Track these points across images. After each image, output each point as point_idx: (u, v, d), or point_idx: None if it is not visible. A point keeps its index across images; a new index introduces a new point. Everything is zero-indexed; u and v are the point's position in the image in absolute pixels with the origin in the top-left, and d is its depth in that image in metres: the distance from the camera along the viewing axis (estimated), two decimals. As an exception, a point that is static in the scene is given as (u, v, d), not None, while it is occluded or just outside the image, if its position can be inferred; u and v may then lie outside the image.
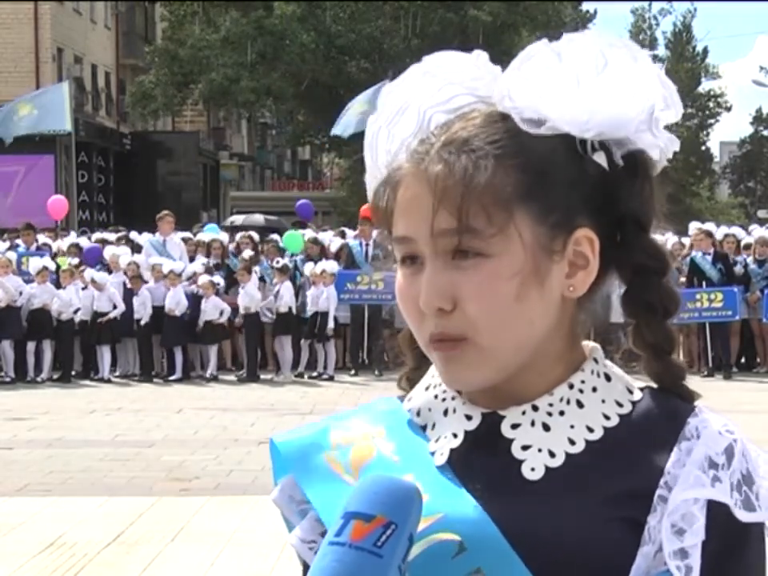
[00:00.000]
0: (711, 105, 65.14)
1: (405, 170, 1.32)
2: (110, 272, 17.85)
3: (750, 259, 17.88)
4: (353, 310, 17.64)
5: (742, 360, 18.07)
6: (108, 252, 18.29)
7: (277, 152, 68.26)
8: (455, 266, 1.29)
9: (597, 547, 1.27)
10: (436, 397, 1.40)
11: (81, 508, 8.76)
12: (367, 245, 17.80)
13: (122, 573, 7.10)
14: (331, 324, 17.14)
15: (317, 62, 39.65)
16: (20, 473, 10.14)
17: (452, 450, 1.35)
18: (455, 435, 1.36)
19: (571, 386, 1.36)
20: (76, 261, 18.08)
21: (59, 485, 9.67)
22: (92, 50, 43.26)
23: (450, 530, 1.29)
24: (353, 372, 17.43)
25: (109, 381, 17.10)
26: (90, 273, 17.43)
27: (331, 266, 17.31)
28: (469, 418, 1.36)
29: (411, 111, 1.37)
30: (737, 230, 19.35)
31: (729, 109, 66.19)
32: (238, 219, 35.02)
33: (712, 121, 66.20)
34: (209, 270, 17.72)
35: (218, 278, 17.68)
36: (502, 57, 1.34)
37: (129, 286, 17.45)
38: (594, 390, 1.36)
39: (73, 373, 17.38)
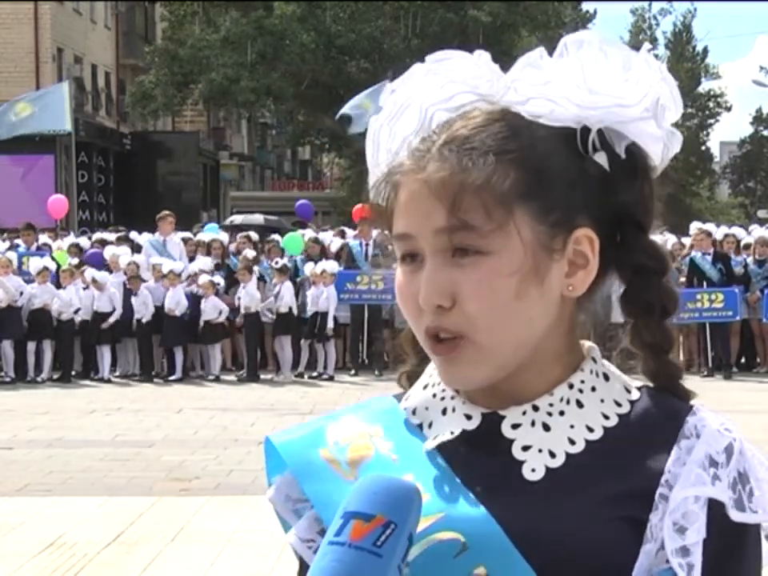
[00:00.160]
0: (711, 105, 65.13)
1: (405, 168, 1.33)
2: (110, 272, 17.85)
3: (749, 259, 17.88)
4: (353, 310, 17.64)
5: (742, 360, 18.07)
6: (108, 252, 18.29)
7: (277, 152, 68.26)
8: (454, 264, 1.29)
9: (598, 546, 1.27)
10: (434, 396, 1.40)
11: (81, 508, 8.76)
12: (367, 245, 17.80)
13: (122, 573, 7.10)
14: (331, 324, 17.14)
15: (317, 62, 39.64)
16: (20, 473, 10.14)
17: (451, 448, 1.35)
18: (452, 432, 1.36)
19: (571, 386, 1.36)
20: (76, 261, 18.08)
21: (59, 485, 9.67)
22: (92, 50, 43.27)
23: (451, 529, 1.29)
24: (353, 372, 17.43)
25: (109, 381, 17.10)
26: (90, 272, 17.44)
27: (331, 266, 17.31)
28: (469, 417, 1.36)
29: (413, 109, 1.37)
30: (737, 230, 19.35)
31: (729, 109, 66.18)
32: (238, 219, 35.00)
33: (712, 121, 66.20)
34: (210, 270, 17.70)
35: (218, 278, 17.68)
36: (502, 57, 1.35)
37: (129, 286, 17.45)
38: (594, 389, 1.36)
39: (73, 373, 17.38)
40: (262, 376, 17.23)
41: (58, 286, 17.35)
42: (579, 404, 1.35)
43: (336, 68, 40.10)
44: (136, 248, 18.85)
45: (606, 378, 1.38)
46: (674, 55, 61.83)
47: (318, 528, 1.37)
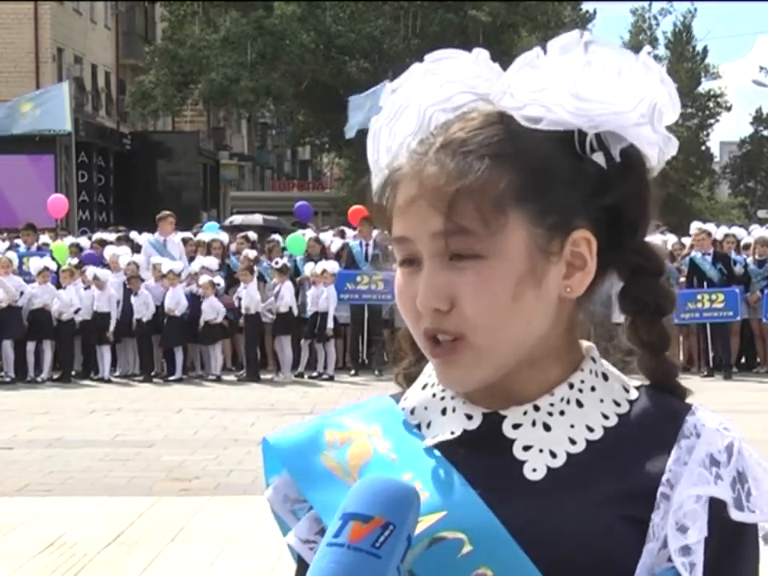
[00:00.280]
0: (711, 105, 65.12)
1: (404, 171, 1.33)
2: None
3: (749, 259, 17.87)
4: (353, 310, 17.64)
5: (742, 360, 18.07)
6: (108, 252, 18.29)
7: (277, 152, 68.27)
8: (452, 267, 1.30)
9: (600, 546, 1.28)
10: (434, 396, 1.40)
11: (81, 508, 8.76)
12: (367, 245, 17.81)
13: (122, 573, 7.10)
14: (331, 324, 17.14)
15: (317, 62, 39.64)
16: (20, 473, 10.14)
17: (451, 448, 1.35)
18: (452, 432, 1.36)
19: (571, 386, 1.36)
20: (76, 260, 18.09)
21: (59, 485, 9.67)
22: (92, 50, 43.27)
23: (454, 529, 1.29)
24: (353, 372, 17.43)
25: (109, 381, 17.10)
26: (92, 270, 17.45)
27: (332, 265, 17.31)
28: (469, 417, 1.36)
29: (412, 109, 1.37)
30: (737, 230, 19.34)
31: (729, 109, 66.18)
32: (237, 219, 35.00)
33: (712, 121, 66.20)
34: (210, 270, 17.68)
35: (219, 279, 17.67)
36: (502, 57, 1.35)
37: (129, 286, 17.45)
38: (593, 389, 1.37)
39: (73, 373, 17.38)
40: (262, 376, 17.24)
41: (59, 286, 17.36)
42: (579, 404, 1.35)
43: (336, 68, 40.10)
44: (136, 248, 18.84)
45: (605, 377, 1.38)
46: (674, 55, 61.84)
47: (317, 529, 1.37)
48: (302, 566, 1.39)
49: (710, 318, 17.11)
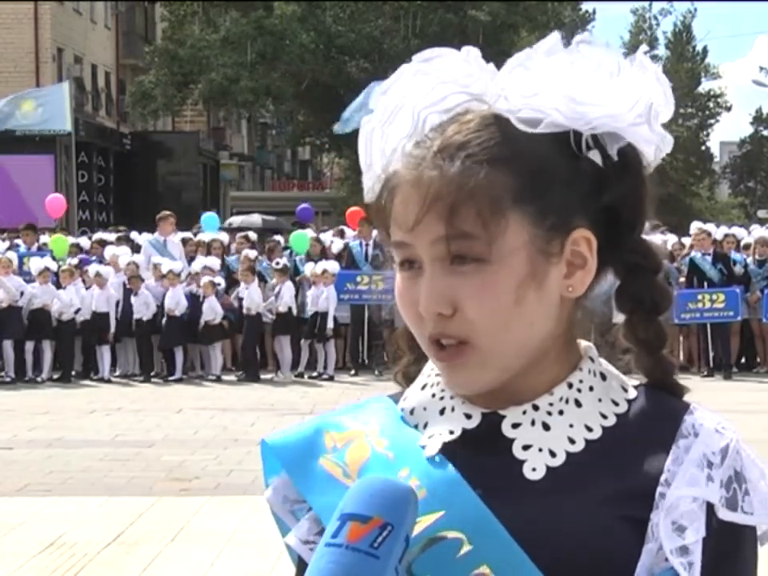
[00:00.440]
0: (711, 105, 65.12)
1: (401, 175, 1.33)
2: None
3: (749, 259, 17.87)
4: (353, 310, 17.64)
5: (742, 360, 18.07)
6: (108, 252, 18.30)
7: (277, 152, 68.25)
8: (453, 271, 1.30)
9: (599, 546, 1.28)
10: (434, 396, 1.40)
11: (81, 508, 8.76)
12: (367, 245, 17.81)
13: (122, 573, 7.10)
14: (330, 324, 17.14)
15: (317, 62, 39.64)
16: (20, 473, 10.14)
17: (450, 448, 1.35)
18: (452, 432, 1.36)
19: (570, 386, 1.36)
20: (76, 260, 18.10)
21: (59, 485, 9.67)
22: (92, 50, 43.27)
23: (453, 528, 1.29)
24: (353, 372, 17.44)
25: (109, 381, 17.10)
26: (94, 267, 17.45)
27: (332, 266, 17.31)
28: (468, 416, 1.36)
29: (405, 111, 1.36)
30: (737, 230, 19.34)
31: (729, 109, 66.17)
32: (236, 221, 34.99)
33: (712, 121, 66.19)
34: (212, 270, 17.66)
35: (219, 279, 17.67)
36: (502, 57, 1.34)
37: (128, 286, 17.45)
38: (591, 389, 1.37)
39: (73, 373, 17.38)
40: (262, 376, 17.24)
41: (59, 286, 17.36)
42: (578, 403, 1.36)
43: (336, 68, 40.09)
44: (136, 248, 18.84)
45: (603, 377, 1.38)
46: (674, 55, 61.82)
47: (317, 529, 1.37)
48: (302, 566, 1.39)
49: (711, 318, 17.11)
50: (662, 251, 1.42)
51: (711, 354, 17.45)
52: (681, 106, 59.08)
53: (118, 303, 17.48)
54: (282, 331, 17.26)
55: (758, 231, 19.76)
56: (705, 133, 65.90)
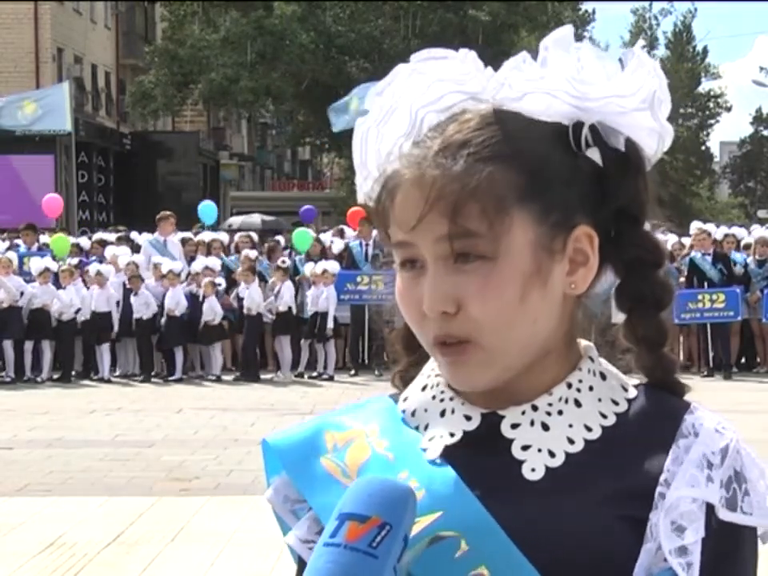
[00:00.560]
0: (711, 105, 65.13)
1: (402, 175, 1.32)
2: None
3: (750, 259, 17.87)
4: (353, 310, 17.64)
5: (742, 360, 18.07)
6: (108, 252, 18.30)
7: (277, 152, 68.25)
8: (457, 270, 1.29)
9: (599, 546, 1.28)
10: (434, 398, 1.40)
11: (81, 508, 8.76)
12: (367, 245, 17.81)
13: (122, 573, 7.10)
14: (330, 324, 17.14)
15: (317, 62, 39.63)
16: (20, 473, 10.14)
17: (449, 449, 1.35)
18: (452, 435, 1.36)
19: (569, 386, 1.36)
20: (76, 260, 18.09)
21: (59, 485, 9.67)
22: (92, 50, 43.27)
23: (451, 529, 1.29)
24: (353, 372, 17.44)
25: (109, 381, 17.10)
26: (95, 267, 17.45)
27: (332, 266, 17.31)
28: (468, 418, 1.36)
29: (402, 111, 1.36)
30: (737, 230, 19.34)
31: (729, 109, 66.19)
32: (236, 221, 35.00)
33: (712, 121, 66.20)
34: (212, 271, 17.65)
35: (220, 279, 17.67)
36: (502, 57, 1.34)
37: (128, 285, 17.45)
38: (591, 389, 1.37)
39: (73, 373, 17.38)
40: (262, 376, 17.24)
41: (59, 285, 17.35)
42: (577, 403, 1.35)
43: (336, 68, 40.08)
44: (136, 248, 18.84)
45: (603, 377, 1.38)
46: (674, 55, 61.85)
47: (317, 529, 1.37)
48: (302, 565, 1.39)
49: (711, 318, 17.11)
50: (665, 246, 1.42)
51: (711, 354, 17.45)
52: (681, 106, 59.11)
53: (118, 303, 17.48)
54: (282, 331, 17.26)
55: (758, 231, 19.75)
56: (705, 133, 65.94)
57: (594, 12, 71.16)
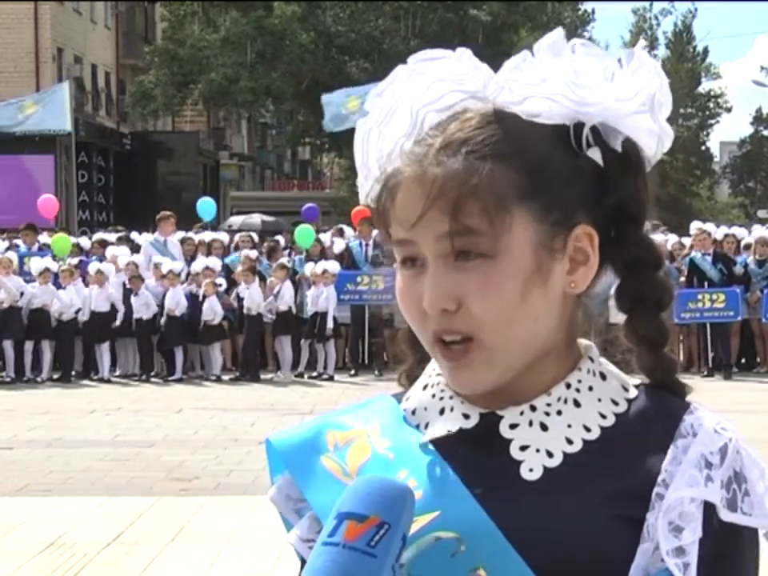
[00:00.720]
0: (711, 105, 65.12)
1: (403, 174, 1.33)
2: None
3: (750, 259, 17.87)
4: (353, 311, 17.64)
5: (742, 360, 18.07)
6: (108, 252, 18.30)
7: (277, 152, 68.24)
8: (458, 267, 1.30)
9: (596, 546, 1.28)
10: (434, 396, 1.40)
11: (81, 508, 8.76)
12: (367, 245, 17.81)
13: (122, 573, 7.09)
14: (330, 324, 17.14)
15: (317, 62, 39.62)
16: (20, 473, 10.14)
17: (448, 448, 1.35)
18: (449, 431, 1.36)
19: (568, 386, 1.36)
20: (76, 260, 18.09)
21: (59, 485, 9.67)
22: (92, 50, 43.27)
23: (448, 529, 1.29)
24: (353, 372, 17.43)
25: (109, 381, 17.10)
26: (95, 265, 17.45)
27: (332, 266, 17.31)
28: (467, 416, 1.36)
29: (403, 111, 1.37)
30: (737, 230, 19.33)
31: (729, 110, 66.18)
32: (236, 222, 34.99)
33: (712, 121, 66.19)
34: (213, 271, 17.64)
35: (221, 280, 17.66)
36: (502, 57, 1.34)
37: (128, 285, 17.44)
38: (591, 389, 1.37)
39: (73, 373, 17.38)
40: (262, 376, 17.23)
41: (59, 285, 17.35)
42: (576, 403, 1.35)
43: (336, 68, 40.07)
44: (136, 248, 18.84)
45: (603, 377, 1.38)
46: (674, 55, 61.84)
47: (318, 528, 1.37)
48: (303, 564, 1.39)
49: (711, 318, 17.11)
50: (663, 248, 1.42)
51: (711, 354, 17.45)
52: (681, 106, 59.09)
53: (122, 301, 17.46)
54: (282, 331, 17.26)
55: (758, 231, 19.74)
56: (705, 133, 65.94)
57: (593, 12, 71.18)
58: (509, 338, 1.31)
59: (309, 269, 17.46)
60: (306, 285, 17.60)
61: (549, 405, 1.35)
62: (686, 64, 61.68)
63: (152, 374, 17.34)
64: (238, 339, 17.84)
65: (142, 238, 19.27)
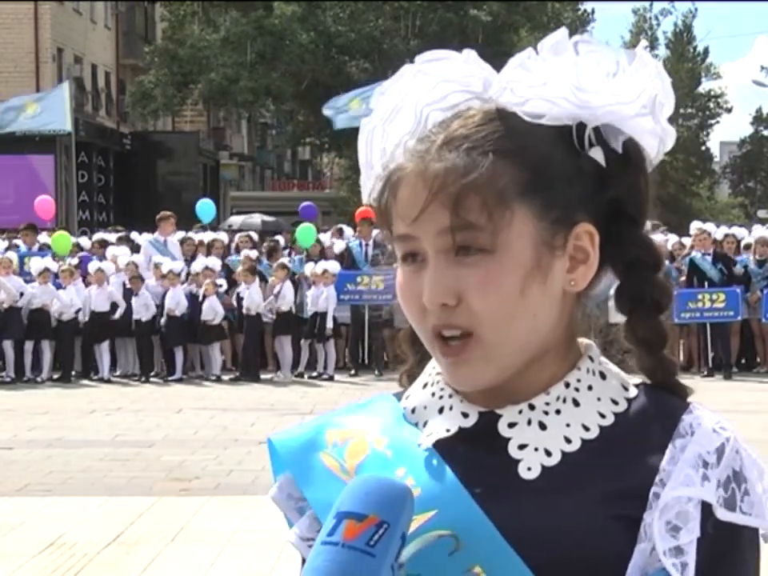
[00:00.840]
0: (711, 105, 65.10)
1: (405, 170, 1.33)
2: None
3: (750, 259, 17.87)
4: (353, 311, 17.65)
5: (742, 360, 18.07)
6: (108, 252, 18.30)
7: (277, 152, 68.24)
8: (458, 262, 1.30)
9: (594, 545, 1.28)
10: (433, 395, 1.40)
11: (81, 508, 8.76)
12: (367, 245, 17.80)
13: (122, 573, 7.10)
14: (330, 324, 17.14)
15: (317, 62, 39.63)
16: (20, 473, 10.14)
17: (447, 447, 1.35)
18: (448, 430, 1.36)
19: (567, 385, 1.36)
20: (76, 260, 18.09)
21: (59, 485, 9.67)
22: (92, 50, 43.27)
23: (445, 527, 1.29)
24: (353, 372, 17.43)
25: (109, 381, 17.10)
26: (95, 264, 17.45)
27: (332, 266, 17.30)
28: (465, 415, 1.37)
29: (407, 110, 1.38)
30: (737, 230, 19.33)
31: (729, 110, 66.16)
32: (236, 222, 34.99)
33: (712, 121, 66.18)
34: (213, 271, 17.64)
35: (221, 280, 17.66)
36: (502, 57, 1.35)
37: (128, 285, 17.44)
38: (590, 388, 1.37)
39: (73, 373, 17.38)
40: (262, 376, 17.24)
41: (59, 285, 17.35)
42: (575, 403, 1.35)
43: (336, 68, 40.08)
44: (136, 248, 18.84)
45: (603, 376, 1.38)
46: (674, 55, 61.81)
47: (317, 527, 1.37)
48: (303, 562, 1.39)
49: (711, 318, 17.12)
50: (663, 250, 1.42)
51: (711, 354, 17.45)
52: (681, 106, 59.06)
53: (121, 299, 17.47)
54: (282, 331, 17.26)
55: (758, 231, 19.74)
56: (705, 133, 65.91)
57: (593, 12, 71.18)
58: (507, 335, 1.31)
59: (309, 269, 17.46)
60: (306, 285, 17.60)
61: (547, 404, 1.35)
62: (686, 64, 61.66)
63: (152, 374, 17.34)
64: (238, 339, 17.84)
65: (142, 238, 19.27)
